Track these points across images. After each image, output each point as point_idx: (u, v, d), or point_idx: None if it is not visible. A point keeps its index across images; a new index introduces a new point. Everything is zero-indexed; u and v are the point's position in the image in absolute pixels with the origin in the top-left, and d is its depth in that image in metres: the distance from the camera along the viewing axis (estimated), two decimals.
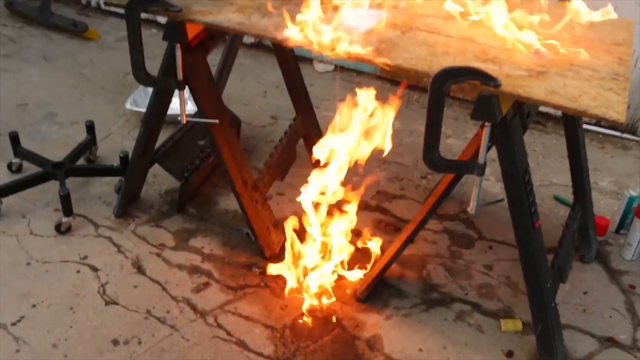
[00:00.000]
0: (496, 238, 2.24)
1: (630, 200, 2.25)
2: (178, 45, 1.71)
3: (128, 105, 2.77)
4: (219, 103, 1.91)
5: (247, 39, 3.46)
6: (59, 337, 1.76)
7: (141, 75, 1.75)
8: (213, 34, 1.82)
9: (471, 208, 1.54)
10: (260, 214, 2.04)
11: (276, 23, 1.63)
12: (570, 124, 1.97)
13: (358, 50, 1.52)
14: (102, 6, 3.85)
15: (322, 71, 3.41)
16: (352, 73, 3.37)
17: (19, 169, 2.37)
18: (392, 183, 2.52)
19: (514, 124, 1.46)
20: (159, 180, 2.41)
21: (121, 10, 3.67)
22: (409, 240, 1.81)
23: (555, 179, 2.61)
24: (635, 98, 2.78)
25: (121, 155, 2.26)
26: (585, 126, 2.92)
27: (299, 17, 1.58)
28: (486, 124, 1.41)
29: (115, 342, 1.75)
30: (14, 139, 2.33)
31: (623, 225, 2.30)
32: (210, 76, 1.88)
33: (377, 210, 2.36)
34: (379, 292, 1.97)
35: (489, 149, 1.47)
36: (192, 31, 1.71)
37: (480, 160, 1.46)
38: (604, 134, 2.97)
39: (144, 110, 2.74)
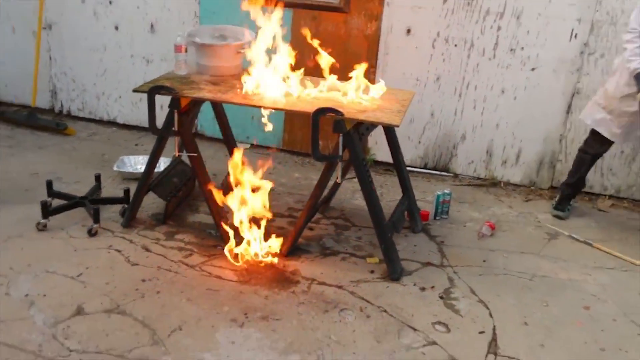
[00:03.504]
0: (363, 225, 3.69)
1: (437, 197, 3.83)
2: (175, 111, 3.12)
3: (115, 168, 4.07)
4: (196, 146, 3.29)
5: None
6: (108, 279, 2.94)
7: (154, 128, 3.12)
8: (194, 105, 3.25)
9: (339, 180, 3.01)
10: (220, 211, 3.36)
11: (231, 96, 3.10)
12: (394, 152, 3.55)
13: (281, 101, 3.01)
14: (72, 113, 5.16)
15: (241, 148, 4.85)
16: (263, 149, 4.86)
17: (50, 205, 3.54)
18: (297, 204, 3.94)
19: (355, 135, 2.98)
20: (146, 209, 3.67)
21: (87, 115, 4.99)
22: (311, 212, 3.22)
23: (398, 196, 4.15)
24: (448, 148, 4.47)
25: (124, 189, 3.54)
26: (420, 170, 4.57)
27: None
28: (340, 135, 2.92)
29: (143, 280, 2.96)
30: (49, 184, 3.53)
31: (437, 213, 3.86)
32: (191, 130, 3.29)
33: (290, 217, 3.76)
34: (295, 251, 3.32)
35: (343, 148, 2.97)
36: (183, 103, 3.14)
37: (339, 153, 2.95)
38: (430, 174, 4.60)
39: (125, 170, 4.06)
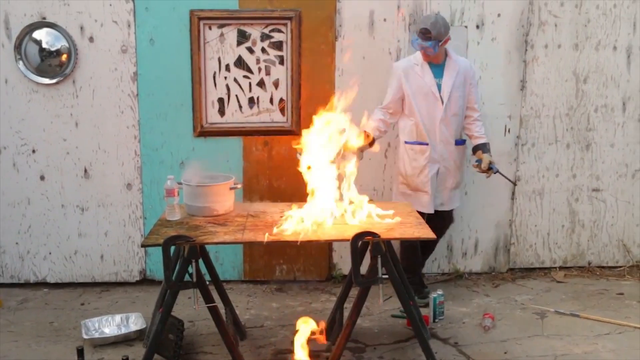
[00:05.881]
0: (374, 343, 3.58)
1: (434, 299, 3.88)
2: (193, 261, 2.85)
3: (85, 336, 3.53)
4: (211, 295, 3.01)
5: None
6: None
7: (170, 283, 2.81)
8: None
9: (381, 302, 2.94)
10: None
11: (254, 235, 2.93)
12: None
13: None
14: None
15: None
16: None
17: None
18: None
19: (389, 254, 2.96)
20: None
21: (8, 280, 4.35)
22: (347, 341, 3.07)
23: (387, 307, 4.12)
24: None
25: (123, 358, 3.07)
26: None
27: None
28: (378, 256, 2.89)
29: None
30: None
31: (435, 316, 3.89)
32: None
33: None
34: None
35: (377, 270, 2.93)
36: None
37: (379, 275, 2.90)
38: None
39: (96, 337, 3.57)
